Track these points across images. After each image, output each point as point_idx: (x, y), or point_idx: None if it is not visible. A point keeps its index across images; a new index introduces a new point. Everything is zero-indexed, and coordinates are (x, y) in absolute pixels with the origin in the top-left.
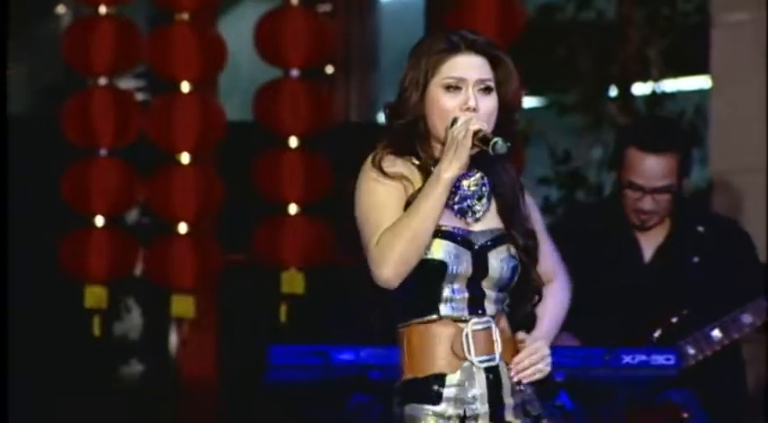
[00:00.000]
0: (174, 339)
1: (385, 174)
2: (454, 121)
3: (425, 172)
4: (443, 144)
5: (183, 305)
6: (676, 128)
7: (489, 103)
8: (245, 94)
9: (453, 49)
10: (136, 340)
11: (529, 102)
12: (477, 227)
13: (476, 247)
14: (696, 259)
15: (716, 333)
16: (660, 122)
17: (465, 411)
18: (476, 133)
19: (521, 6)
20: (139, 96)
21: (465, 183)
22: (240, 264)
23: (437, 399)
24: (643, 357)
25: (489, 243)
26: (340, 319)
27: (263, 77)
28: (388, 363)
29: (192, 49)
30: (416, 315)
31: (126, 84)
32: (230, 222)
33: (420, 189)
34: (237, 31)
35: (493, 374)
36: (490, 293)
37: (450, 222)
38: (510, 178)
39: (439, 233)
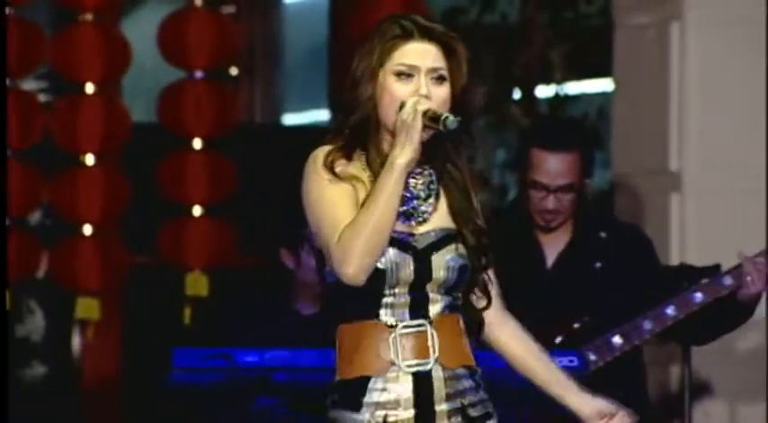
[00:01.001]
0: (77, 341)
1: (335, 175)
2: (402, 105)
3: (375, 171)
4: (394, 137)
5: (88, 307)
6: (577, 127)
7: (441, 93)
8: (150, 96)
9: (407, 36)
10: (38, 342)
11: None
12: (422, 229)
13: (419, 250)
14: (598, 265)
15: (617, 339)
16: (561, 122)
17: (386, 417)
18: (425, 113)
19: (425, 8)
20: (42, 98)
21: (411, 182)
22: (145, 265)
23: (357, 406)
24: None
25: (434, 245)
26: (245, 322)
27: (167, 79)
28: (293, 365)
29: (96, 50)
30: (354, 317)
31: (29, 85)
32: (135, 224)
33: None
34: (141, 32)
35: (422, 379)
36: (435, 296)
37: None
38: (461, 174)
39: None
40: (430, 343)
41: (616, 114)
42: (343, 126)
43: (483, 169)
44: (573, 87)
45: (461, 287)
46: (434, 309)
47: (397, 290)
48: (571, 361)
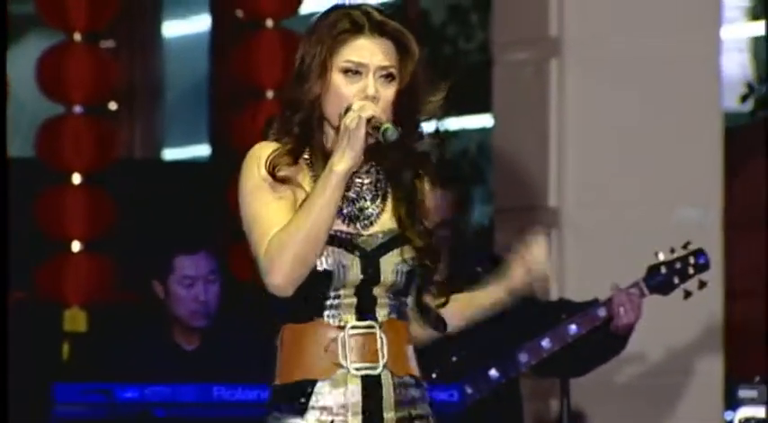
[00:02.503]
0: None
1: (275, 179)
2: (348, 109)
3: (318, 172)
4: (338, 132)
5: None
6: (450, 163)
7: (389, 92)
8: (28, 130)
9: (357, 30)
10: None
11: None
12: (369, 230)
13: (367, 252)
14: None
15: (493, 372)
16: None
17: (332, 422)
18: (369, 120)
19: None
20: None
21: (357, 182)
22: (22, 301)
23: (302, 410)
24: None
25: (382, 247)
26: (124, 357)
27: (45, 113)
28: (173, 400)
29: None
30: (297, 319)
31: None
32: (12, 260)
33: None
34: (19, 66)
35: (371, 384)
36: (382, 300)
37: (339, 227)
38: (409, 174)
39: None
40: (379, 346)
41: (496, 150)
42: (289, 125)
43: None
44: (453, 123)
45: (410, 291)
46: (381, 311)
47: (343, 291)
48: (451, 395)
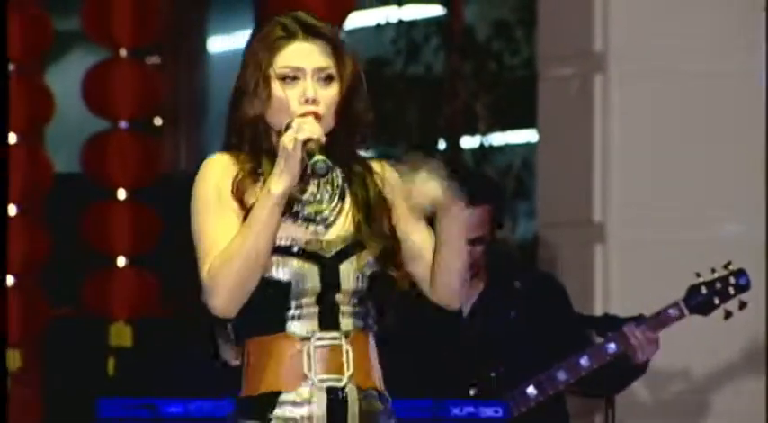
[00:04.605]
0: None
1: (242, 203)
2: (288, 125)
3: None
4: None
5: (9, 358)
6: (489, 181)
7: (329, 93)
8: (73, 146)
9: (290, 36)
10: None
11: None
12: (327, 235)
13: (325, 259)
14: (513, 314)
15: (531, 390)
16: (474, 176)
17: None
18: (305, 143)
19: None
20: None
21: (314, 183)
22: (68, 316)
23: (266, 422)
24: (471, 409)
25: (341, 253)
26: (169, 372)
27: (91, 129)
28: (218, 415)
29: (20, 100)
30: (261, 331)
31: None
32: (58, 274)
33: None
34: (65, 82)
35: (337, 397)
36: (345, 308)
37: (295, 233)
38: (364, 172)
39: (281, 249)
40: (344, 358)
41: (540, 165)
42: (241, 143)
43: None
44: (497, 138)
45: (375, 298)
46: (345, 321)
47: (303, 300)
48: (496, 411)
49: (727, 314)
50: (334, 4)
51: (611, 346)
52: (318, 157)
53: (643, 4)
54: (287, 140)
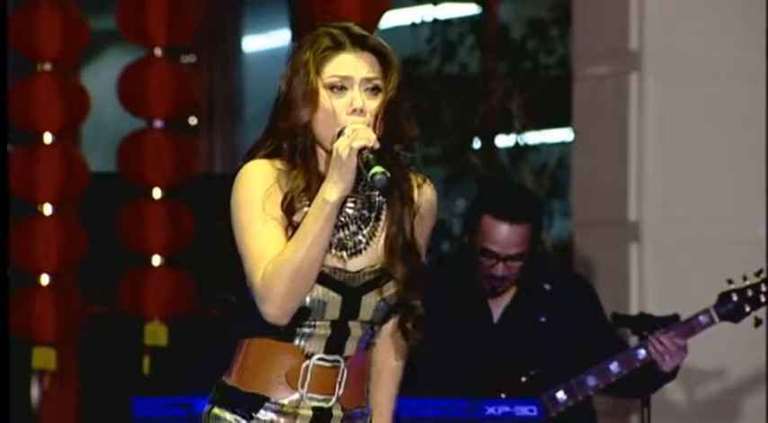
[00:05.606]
0: (35, 392)
1: (290, 220)
2: (341, 132)
3: (311, 197)
4: (330, 154)
5: (44, 357)
6: (532, 198)
7: (376, 104)
8: (109, 145)
9: (338, 47)
10: None
11: None
12: (354, 264)
13: (350, 289)
14: (543, 319)
15: (561, 395)
16: (516, 192)
17: None
18: (360, 152)
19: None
20: None
21: (349, 205)
22: (103, 315)
23: (248, 416)
24: (507, 408)
25: (366, 285)
26: (204, 371)
27: (126, 128)
28: None
29: (55, 99)
30: (271, 335)
31: None
32: (93, 274)
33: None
34: (100, 81)
35: (321, 416)
36: (356, 332)
37: (324, 259)
38: (404, 187)
39: None
40: (338, 380)
41: (576, 164)
42: (280, 150)
43: (444, 219)
44: (533, 137)
45: (384, 321)
46: (351, 345)
47: (318, 323)
48: (531, 410)
49: (758, 322)
50: (369, 4)
51: (641, 353)
52: (377, 169)
53: (679, 2)
54: (341, 148)
